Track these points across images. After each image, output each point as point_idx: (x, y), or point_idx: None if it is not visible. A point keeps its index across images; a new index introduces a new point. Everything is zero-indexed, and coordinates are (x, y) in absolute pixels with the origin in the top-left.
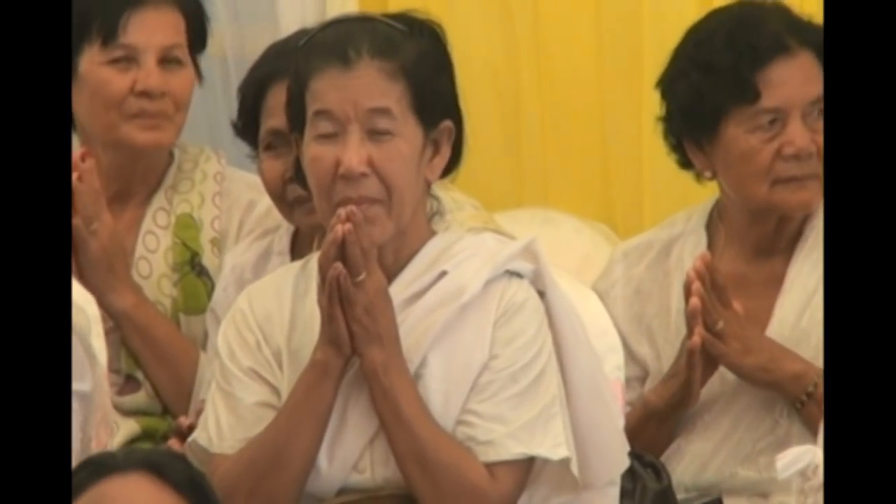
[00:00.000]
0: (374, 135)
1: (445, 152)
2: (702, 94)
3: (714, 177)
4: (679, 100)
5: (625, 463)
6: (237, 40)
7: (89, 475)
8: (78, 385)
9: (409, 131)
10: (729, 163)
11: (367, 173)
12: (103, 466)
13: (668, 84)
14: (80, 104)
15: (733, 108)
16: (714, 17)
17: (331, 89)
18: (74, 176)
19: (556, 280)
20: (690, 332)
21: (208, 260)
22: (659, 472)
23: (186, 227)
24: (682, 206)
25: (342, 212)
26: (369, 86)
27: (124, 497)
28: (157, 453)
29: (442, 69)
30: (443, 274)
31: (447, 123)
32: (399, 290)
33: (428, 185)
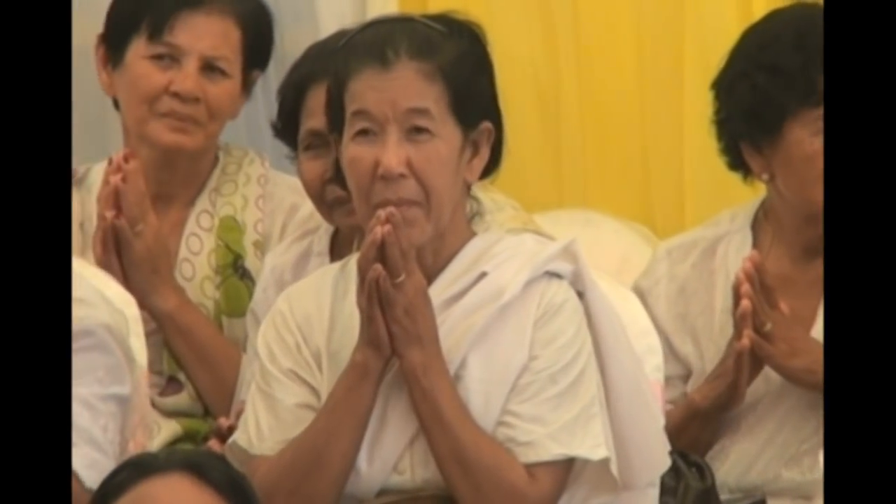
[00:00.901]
0: (412, 136)
1: (485, 154)
2: (767, 96)
3: (771, 179)
4: (740, 101)
5: (666, 463)
6: (277, 42)
7: (130, 475)
8: (117, 388)
9: (447, 132)
10: (790, 165)
11: (405, 174)
12: (144, 467)
13: (727, 85)
14: (121, 94)
15: (799, 109)
16: (777, 18)
17: (369, 90)
18: (118, 177)
19: (595, 281)
20: (738, 334)
21: (251, 262)
22: (703, 471)
23: (230, 229)
24: (721, 207)
25: (382, 213)
26: (407, 86)
27: (165, 497)
28: (198, 454)
29: (481, 70)
30: (483, 275)
31: (486, 125)
32: (439, 291)
33: (467, 186)
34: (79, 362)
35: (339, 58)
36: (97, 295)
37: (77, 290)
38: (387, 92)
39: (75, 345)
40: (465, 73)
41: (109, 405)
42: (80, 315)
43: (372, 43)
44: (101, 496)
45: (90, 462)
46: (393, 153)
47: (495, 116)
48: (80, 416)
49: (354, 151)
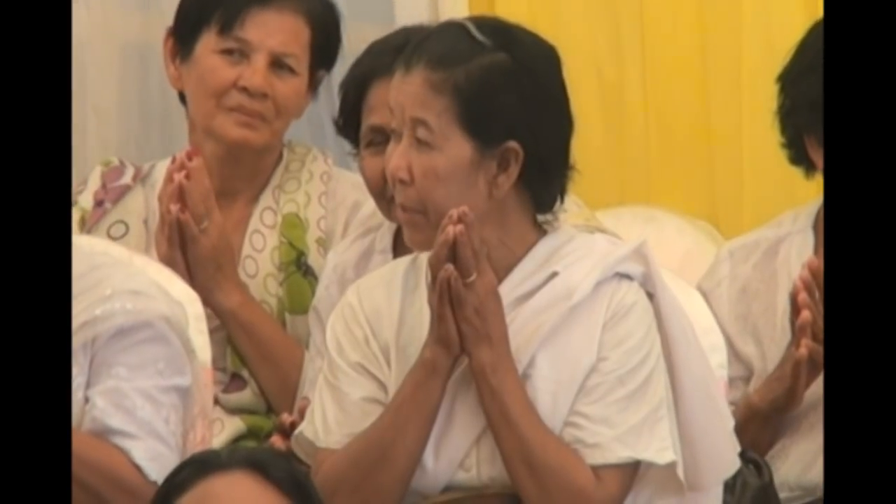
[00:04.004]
0: (417, 144)
1: (513, 172)
2: None
3: None
4: (806, 93)
5: (735, 465)
6: (345, 41)
7: (193, 473)
8: (178, 380)
9: (452, 147)
10: None
11: (405, 180)
12: (208, 464)
13: (793, 78)
14: (189, 87)
15: None
16: None
17: (393, 91)
18: (183, 174)
19: (666, 283)
20: (797, 342)
21: (314, 260)
22: (761, 468)
23: (293, 226)
24: (785, 205)
25: (454, 212)
26: (415, 95)
27: (229, 495)
28: (261, 452)
29: (511, 88)
30: (553, 275)
31: (511, 144)
32: (509, 290)
33: (493, 199)
34: (139, 355)
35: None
36: (155, 287)
37: (134, 283)
38: (400, 96)
39: (135, 337)
40: (485, 89)
41: (171, 397)
42: (139, 307)
43: (412, 45)
44: (163, 493)
45: (154, 454)
46: (397, 157)
47: (525, 136)
48: (143, 409)
49: (389, 148)
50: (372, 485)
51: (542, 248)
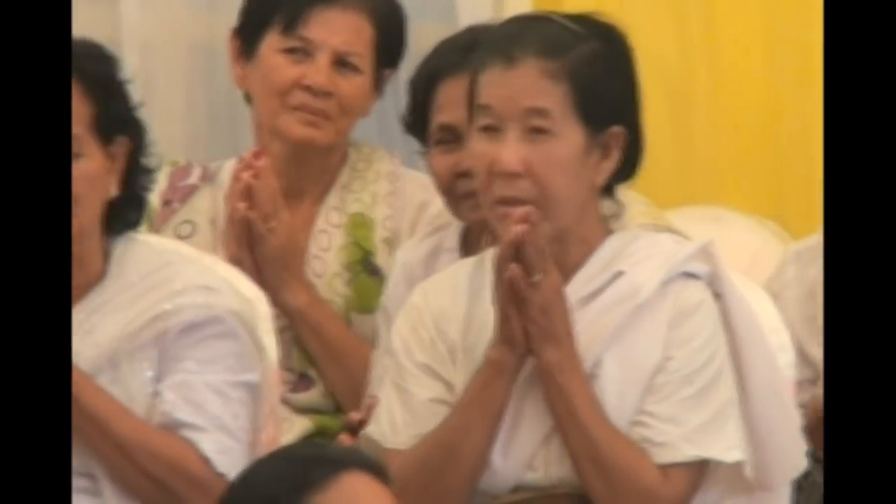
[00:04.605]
0: (531, 135)
1: (615, 157)
2: None
3: None
4: None
5: (803, 464)
6: (412, 40)
7: (329, 470)
8: (247, 376)
9: (568, 133)
10: None
11: (521, 173)
12: (340, 463)
13: None
14: (254, 87)
15: None
16: None
17: (493, 85)
18: (249, 174)
19: (733, 282)
20: None
21: (381, 259)
22: None
23: (359, 226)
24: None
25: (519, 212)
26: (529, 85)
27: (370, 494)
28: (369, 455)
29: (614, 73)
30: (619, 274)
31: (618, 128)
32: (575, 289)
33: (594, 187)
34: (209, 350)
35: (477, 52)
36: (225, 283)
37: (205, 278)
38: (508, 89)
39: (205, 332)
40: (594, 75)
41: (240, 392)
42: (210, 302)
43: (502, 39)
44: (293, 488)
45: (222, 447)
46: (510, 151)
47: (630, 120)
48: (211, 403)
49: (478, 146)
50: (440, 486)
51: (608, 247)
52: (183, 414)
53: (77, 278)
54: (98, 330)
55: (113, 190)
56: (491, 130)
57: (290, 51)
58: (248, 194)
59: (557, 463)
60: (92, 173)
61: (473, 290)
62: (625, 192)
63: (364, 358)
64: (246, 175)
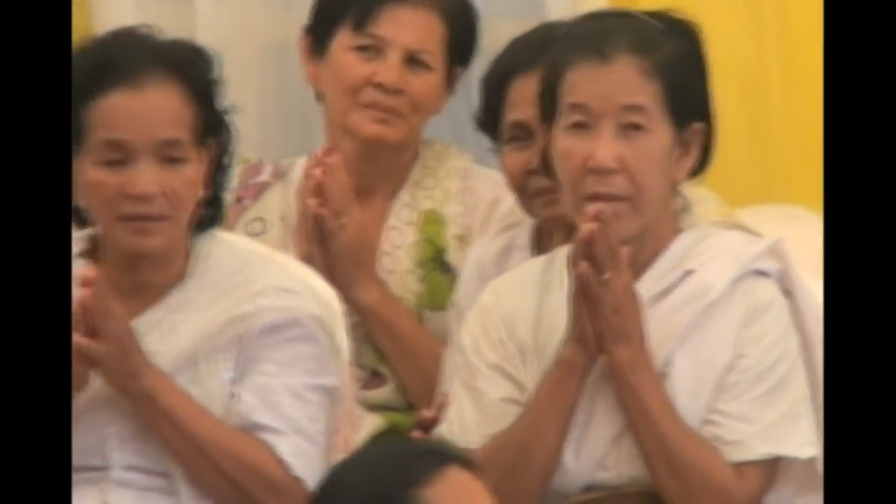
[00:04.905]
0: (626, 131)
1: (694, 153)
2: None
3: None
4: None
5: None
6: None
7: (435, 463)
8: (325, 380)
9: (660, 130)
10: None
11: (616, 169)
12: (444, 456)
13: None
14: (325, 85)
15: None
16: None
17: (586, 82)
18: (320, 170)
19: (803, 280)
20: None
21: (453, 256)
22: None
23: (431, 223)
24: None
25: (591, 210)
26: (625, 82)
27: (475, 486)
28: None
29: (697, 70)
30: (689, 272)
31: (698, 125)
32: (646, 287)
33: (675, 184)
34: (288, 352)
35: (557, 49)
36: (305, 285)
37: (285, 280)
38: (604, 86)
39: (284, 335)
40: (682, 72)
41: (317, 395)
42: (289, 305)
43: (591, 36)
44: (398, 481)
45: (299, 451)
46: (606, 148)
47: (707, 117)
48: (289, 406)
49: (567, 143)
50: (511, 485)
51: (678, 245)
52: (261, 416)
53: (160, 277)
54: (179, 329)
55: (201, 191)
56: (581, 127)
57: (362, 48)
58: (319, 191)
59: (629, 462)
60: (194, 178)
61: (543, 289)
62: (697, 190)
63: (436, 355)
64: (317, 172)
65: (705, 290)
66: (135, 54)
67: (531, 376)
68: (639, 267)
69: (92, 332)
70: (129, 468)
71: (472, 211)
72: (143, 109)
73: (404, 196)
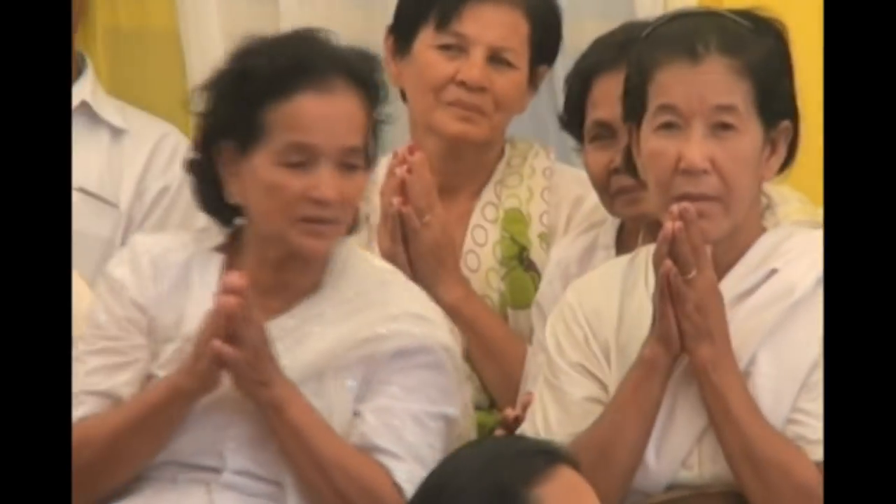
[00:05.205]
0: (717, 131)
1: (782, 152)
2: None
3: None
4: None
5: None
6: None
7: (546, 461)
8: (447, 409)
9: (751, 130)
10: None
11: (707, 170)
12: (555, 455)
13: None
14: (408, 84)
15: None
16: None
17: (677, 83)
18: (404, 169)
19: None
20: None
21: (536, 255)
22: None
23: (515, 221)
24: None
25: (675, 209)
26: (717, 82)
27: (584, 485)
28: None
29: (785, 69)
30: (773, 272)
31: (786, 123)
32: (729, 286)
33: (762, 182)
34: (414, 378)
35: (643, 48)
36: (439, 314)
37: (421, 307)
38: (695, 86)
39: (413, 360)
40: (772, 71)
41: (438, 423)
42: (423, 332)
43: (681, 35)
44: (519, 480)
45: (415, 477)
46: (697, 148)
47: (794, 115)
48: (410, 432)
49: (657, 144)
50: (594, 484)
51: (762, 244)
52: (381, 440)
53: (302, 280)
54: (309, 341)
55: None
56: (671, 127)
57: (445, 47)
58: (402, 189)
59: (712, 461)
60: (363, 186)
61: (626, 288)
62: (781, 188)
63: (519, 354)
64: (400, 170)
65: (789, 289)
66: (323, 58)
67: (614, 375)
68: (723, 266)
69: (229, 337)
70: (241, 472)
71: (556, 209)
72: (332, 114)
73: (488, 194)
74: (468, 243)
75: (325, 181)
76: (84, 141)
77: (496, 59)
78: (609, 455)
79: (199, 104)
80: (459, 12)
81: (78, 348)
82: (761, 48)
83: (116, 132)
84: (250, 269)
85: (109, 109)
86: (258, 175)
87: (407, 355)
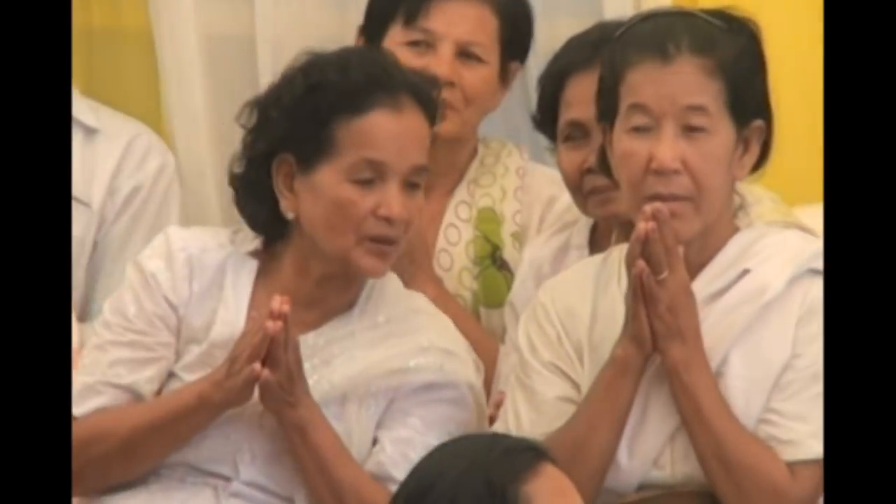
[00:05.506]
0: (688, 132)
1: (754, 151)
2: None
3: None
4: None
5: None
6: (542, 34)
7: (532, 459)
8: None
9: (722, 129)
10: None
11: (679, 170)
12: (538, 451)
13: None
14: None
15: None
16: None
17: (648, 83)
18: None
19: None
20: None
21: (509, 254)
22: None
23: (488, 220)
24: None
25: (647, 209)
26: (688, 82)
27: (566, 482)
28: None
29: (758, 68)
30: (745, 272)
31: (758, 122)
32: (701, 287)
33: (735, 182)
34: (436, 412)
35: (615, 48)
36: (466, 349)
37: (450, 341)
38: (666, 86)
39: (438, 394)
40: (744, 71)
41: None
42: (451, 369)
43: (652, 35)
44: (499, 478)
45: None
46: (668, 148)
47: (767, 114)
48: None
49: (628, 144)
50: None
51: (735, 244)
52: (397, 471)
53: (339, 298)
54: (335, 363)
55: None
56: (644, 127)
57: (413, 44)
58: None
59: (683, 461)
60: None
61: (599, 288)
62: (754, 188)
63: (492, 353)
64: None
65: (762, 289)
66: (394, 76)
67: (587, 375)
68: (696, 266)
69: (265, 358)
70: (251, 484)
71: (529, 209)
72: (402, 132)
73: (461, 193)
74: (441, 242)
75: (394, 199)
76: None
77: (465, 53)
78: (581, 454)
79: (253, 118)
80: (427, 9)
81: (102, 336)
82: (733, 48)
83: (89, 131)
84: (287, 280)
85: (82, 108)
86: (325, 190)
87: (432, 389)
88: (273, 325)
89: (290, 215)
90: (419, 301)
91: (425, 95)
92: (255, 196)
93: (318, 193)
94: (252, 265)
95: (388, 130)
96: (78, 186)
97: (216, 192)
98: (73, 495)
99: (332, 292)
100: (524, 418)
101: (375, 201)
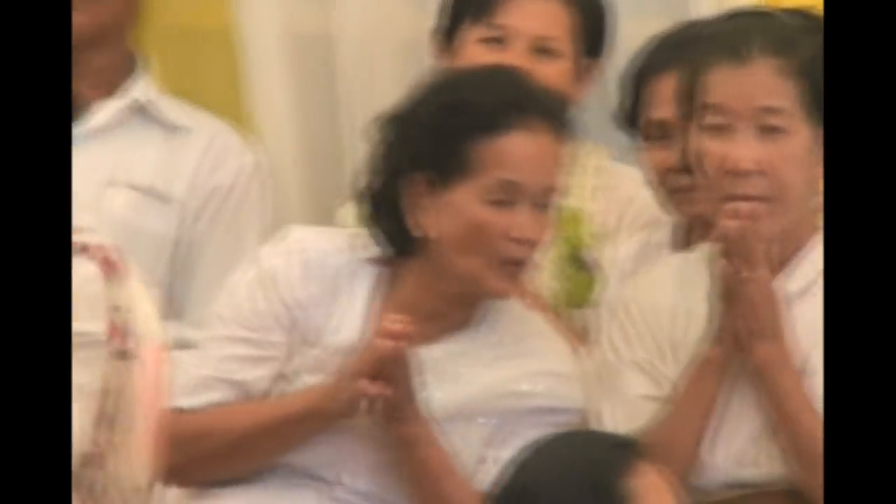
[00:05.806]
0: (765, 133)
1: None
2: None
3: None
4: None
5: None
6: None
7: (632, 453)
8: None
9: (801, 130)
10: None
11: (756, 171)
12: (636, 448)
13: None
14: None
15: None
16: None
17: (722, 84)
18: None
19: None
20: None
21: (590, 254)
22: None
23: (568, 220)
24: None
25: (730, 208)
26: (763, 83)
27: (666, 481)
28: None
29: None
30: None
31: None
32: (783, 285)
33: (815, 182)
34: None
35: (695, 48)
36: (581, 372)
37: (567, 365)
38: (741, 87)
39: (549, 419)
40: (820, 71)
41: None
42: (565, 394)
43: (729, 36)
44: (612, 472)
45: None
46: (744, 150)
47: None
48: None
49: (704, 145)
50: None
51: (816, 243)
52: None
53: (459, 315)
54: (450, 380)
55: None
56: (719, 128)
57: (487, 41)
58: None
59: (769, 460)
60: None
61: (682, 286)
62: None
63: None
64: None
65: None
66: (529, 96)
67: (670, 373)
68: (778, 265)
69: (378, 374)
70: (355, 493)
71: (610, 208)
72: (538, 154)
73: None
74: None
75: (528, 221)
76: (137, 138)
77: (539, 49)
78: (666, 453)
79: (382, 133)
80: (499, 5)
81: (215, 328)
82: (812, 48)
83: (171, 129)
84: (409, 293)
85: (163, 106)
86: (460, 210)
87: (545, 413)
88: (387, 346)
89: (419, 233)
90: (535, 322)
91: (559, 115)
92: (383, 212)
93: (451, 213)
94: (371, 272)
95: (526, 151)
96: (160, 184)
97: (297, 191)
98: (177, 486)
99: (453, 309)
100: (606, 417)
101: (508, 223)
